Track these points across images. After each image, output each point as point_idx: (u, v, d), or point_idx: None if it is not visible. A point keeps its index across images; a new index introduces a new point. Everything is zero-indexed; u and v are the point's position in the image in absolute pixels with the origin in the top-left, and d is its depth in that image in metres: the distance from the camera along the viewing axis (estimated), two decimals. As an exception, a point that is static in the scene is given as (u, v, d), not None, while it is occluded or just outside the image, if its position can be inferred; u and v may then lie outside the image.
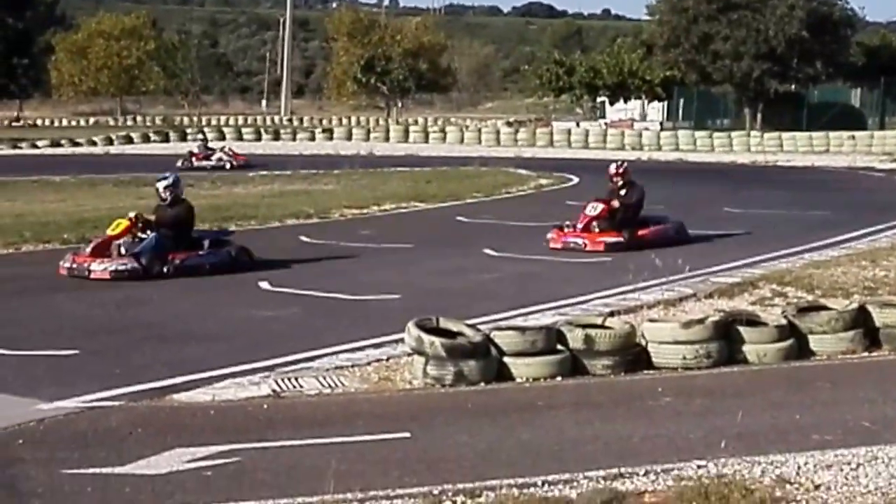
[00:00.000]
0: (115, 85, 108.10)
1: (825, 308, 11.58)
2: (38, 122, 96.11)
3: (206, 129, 68.07)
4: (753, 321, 11.06)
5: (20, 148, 59.18)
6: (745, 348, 10.76)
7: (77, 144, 61.26)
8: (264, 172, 37.88)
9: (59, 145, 60.39)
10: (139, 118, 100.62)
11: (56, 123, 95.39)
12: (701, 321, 10.71)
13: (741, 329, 10.82)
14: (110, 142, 62.17)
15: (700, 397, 9.54)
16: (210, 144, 47.09)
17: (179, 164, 40.14)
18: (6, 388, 9.79)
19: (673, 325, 10.78)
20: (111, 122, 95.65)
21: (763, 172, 40.93)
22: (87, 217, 23.62)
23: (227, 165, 41.70)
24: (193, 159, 42.09)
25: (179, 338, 12.03)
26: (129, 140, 63.69)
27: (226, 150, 44.51)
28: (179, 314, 13.58)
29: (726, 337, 10.70)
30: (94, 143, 61.58)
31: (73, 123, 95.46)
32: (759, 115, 66.76)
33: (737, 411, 8.71)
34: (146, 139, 64.73)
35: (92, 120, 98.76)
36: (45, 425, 8.73)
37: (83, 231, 20.86)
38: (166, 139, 65.02)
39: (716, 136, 55.15)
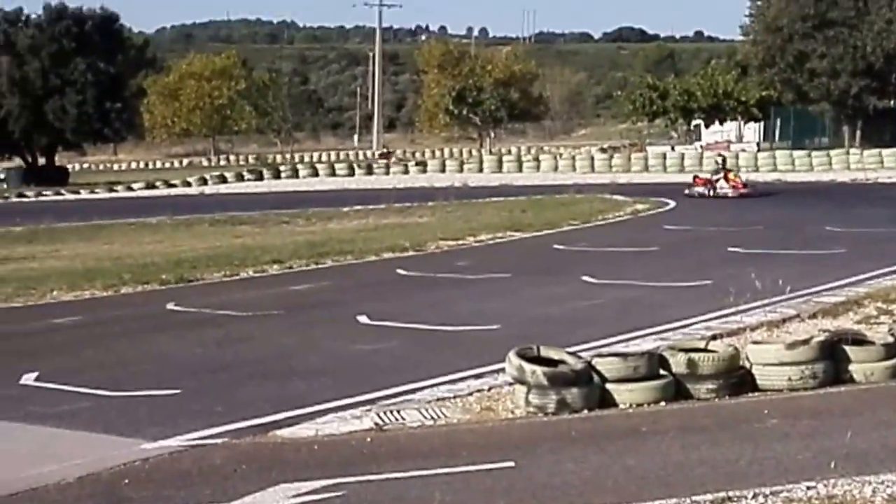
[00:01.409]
0: (207, 125, 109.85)
1: (933, 324, 11.34)
2: (133, 164, 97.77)
3: (299, 166, 68.64)
4: (859, 340, 10.85)
5: (116, 191, 60.23)
6: (852, 367, 10.56)
7: (172, 186, 62.30)
8: (358, 207, 38.01)
9: (153, 187, 61.45)
10: (232, 157, 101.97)
11: (150, 165, 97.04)
12: (806, 342, 10.53)
13: (847, 348, 10.62)
14: (204, 182, 63.12)
15: (807, 418, 9.38)
16: None
17: None
18: (111, 429, 9.88)
19: (777, 346, 10.60)
20: (204, 163, 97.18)
21: (864, 190, 40.37)
22: (184, 257, 23.89)
23: None
24: None
25: (281, 373, 12.06)
26: (223, 180, 64.57)
27: None
28: (280, 350, 13.62)
29: (832, 357, 10.51)
30: (188, 184, 62.58)
31: (167, 165, 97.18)
32: (858, 133, 65.94)
33: (845, 431, 8.54)
34: (240, 178, 65.54)
35: (185, 161, 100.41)
36: (150, 464, 8.77)
37: (181, 271, 21.10)
38: (260, 178, 65.67)
39: (814, 155, 54.59)
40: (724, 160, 40.81)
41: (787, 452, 8.29)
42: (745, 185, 38.19)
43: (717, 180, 38.14)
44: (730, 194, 37.02)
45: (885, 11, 62.99)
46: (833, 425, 9.04)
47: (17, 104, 69.81)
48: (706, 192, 37.62)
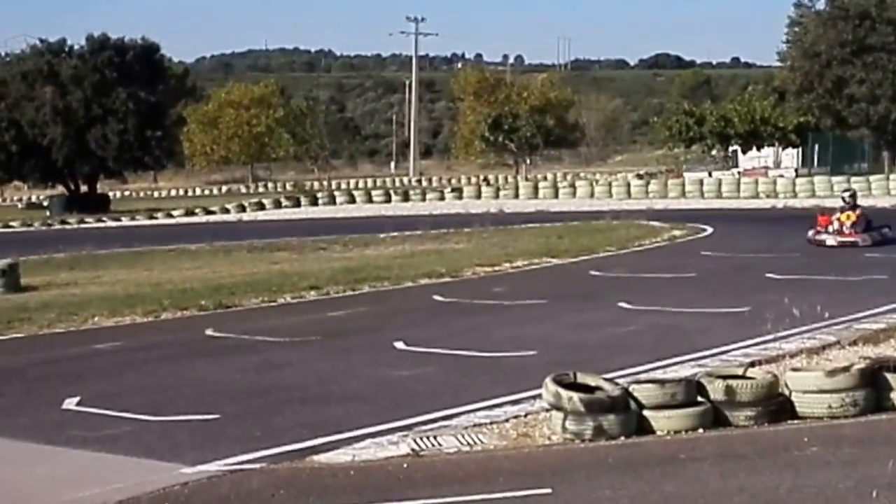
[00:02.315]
0: (245, 153, 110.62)
1: (975, 351, 11.24)
2: (173, 192, 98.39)
3: (336, 193, 68.84)
4: (901, 367, 10.76)
5: (156, 218, 60.65)
6: (894, 395, 10.45)
7: (210, 213, 62.66)
8: (395, 233, 38.06)
9: (193, 214, 61.86)
10: (270, 185, 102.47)
11: (190, 193, 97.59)
12: (846, 369, 10.44)
13: (888, 376, 10.51)
14: (243, 209, 63.48)
15: (848, 446, 9.30)
16: None
17: None
18: (151, 454, 9.93)
19: (817, 373, 10.52)
20: (243, 190, 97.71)
21: (903, 215, 40.03)
22: (223, 283, 23.99)
23: None
24: None
25: (318, 399, 12.09)
26: (261, 206, 64.93)
27: None
28: (318, 376, 13.65)
29: (873, 384, 10.41)
30: (227, 211, 62.95)
31: (206, 192, 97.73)
32: (898, 158, 65.61)
33: (887, 460, 8.46)
34: (277, 205, 65.88)
35: (224, 188, 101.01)
36: (189, 489, 8.81)
37: (220, 297, 21.20)
38: (297, 204, 65.99)
39: (853, 181, 54.27)
40: (853, 195, 30.69)
41: (827, 481, 8.22)
42: (862, 231, 28.26)
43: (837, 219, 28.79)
44: (828, 242, 27.77)
45: (924, 37, 62.85)
46: (875, 453, 8.97)
47: (60, 133, 70.56)
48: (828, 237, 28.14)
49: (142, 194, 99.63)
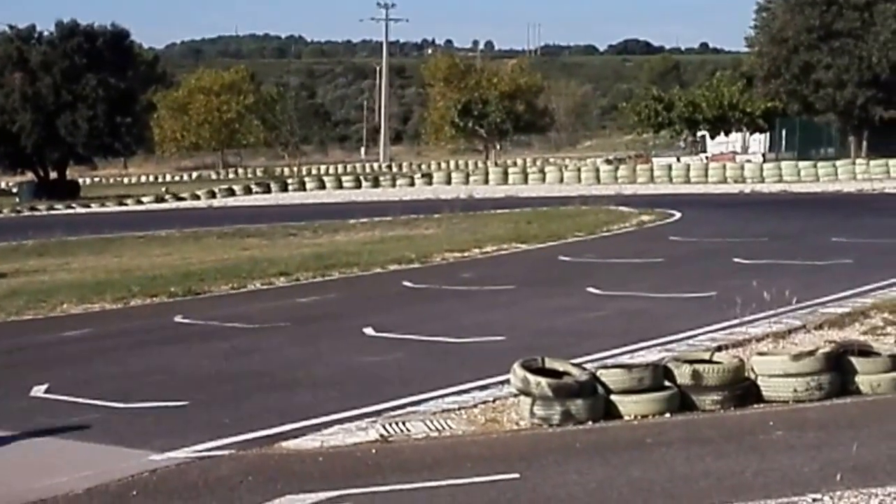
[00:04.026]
0: (216, 139, 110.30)
1: (939, 335, 11.34)
2: (143, 178, 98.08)
3: (306, 179, 68.88)
4: (866, 351, 10.84)
5: (126, 205, 60.41)
6: (858, 379, 10.55)
7: (181, 199, 62.41)
8: (365, 220, 38.04)
9: (163, 201, 61.63)
10: (240, 171, 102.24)
11: (160, 179, 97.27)
12: (812, 353, 10.53)
13: (853, 360, 10.61)
14: (213, 195, 63.29)
15: (813, 430, 9.38)
16: None
17: None
18: (119, 441, 9.93)
19: (783, 357, 10.60)
20: (213, 176, 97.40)
21: (870, 201, 40.29)
22: (193, 270, 23.96)
23: None
24: None
25: (287, 385, 12.10)
26: (231, 192, 64.81)
27: None
28: (287, 362, 13.65)
29: (838, 368, 10.50)
30: (197, 197, 62.73)
31: (177, 178, 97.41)
32: (864, 143, 65.87)
33: (851, 443, 8.56)
34: (248, 191, 65.76)
35: (195, 174, 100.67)
36: (158, 476, 8.81)
37: (189, 284, 21.18)
38: (268, 190, 65.89)
39: (820, 166, 54.59)
40: None
41: (792, 464, 8.29)
42: None
43: None
44: None
45: (890, 22, 62.97)
46: (839, 437, 9.06)
47: (29, 119, 70.35)
48: None
49: (111, 181, 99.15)
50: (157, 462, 9.14)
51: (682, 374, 10.22)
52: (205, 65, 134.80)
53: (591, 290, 18.65)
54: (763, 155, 68.38)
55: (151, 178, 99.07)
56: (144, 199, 62.00)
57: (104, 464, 9.14)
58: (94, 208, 59.82)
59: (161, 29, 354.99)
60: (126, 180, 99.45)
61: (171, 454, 9.35)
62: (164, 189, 52.51)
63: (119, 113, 70.51)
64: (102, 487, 8.50)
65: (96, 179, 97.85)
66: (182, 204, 59.86)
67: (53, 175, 75.17)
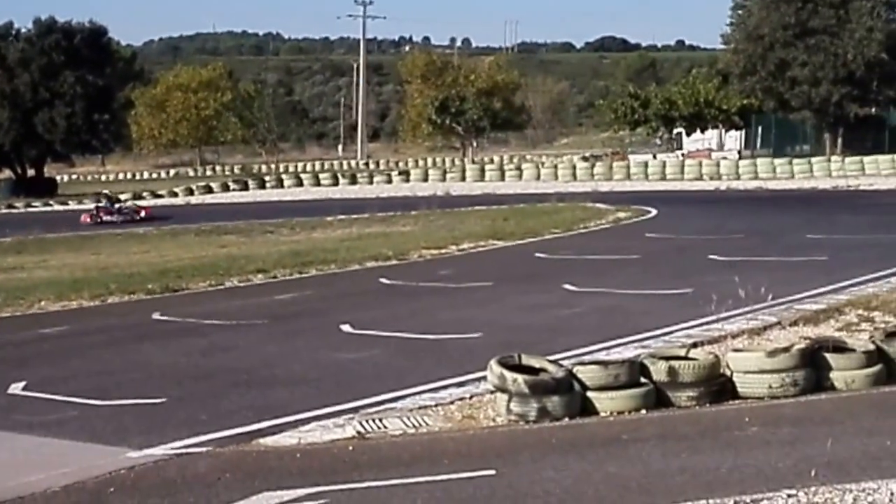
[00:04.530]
0: (193, 136, 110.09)
1: (913, 331, 11.39)
2: (121, 175, 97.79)
3: (283, 176, 68.65)
4: (840, 347, 10.90)
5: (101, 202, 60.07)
6: (833, 375, 10.62)
7: (158, 196, 62.26)
8: (342, 217, 37.98)
9: (140, 198, 61.39)
10: (218, 168, 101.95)
11: (138, 176, 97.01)
12: (787, 349, 10.59)
13: (828, 356, 10.68)
14: (191, 192, 63.15)
15: (788, 426, 9.44)
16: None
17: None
18: (97, 438, 9.94)
19: (758, 354, 10.66)
20: (191, 173, 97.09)
21: (845, 197, 40.48)
22: (170, 267, 23.96)
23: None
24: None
25: (264, 382, 12.12)
26: (209, 190, 64.66)
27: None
28: (264, 359, 13.67)
29: (813, 364, 10.57)
30: (175, 195, 62.55)
31: (155, 176, 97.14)
32: (839, 140, 66.04)
33: (826, 439, 8.60)
34: (225, 188, 65.62)
35: (172, 171, 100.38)
36: (136, 473, 8.83)
37: (167, 281, 21.16)
38: (245, 188, 65.78)
39: (795, 163, 54.74)
40: None
41: (767, 460, 8.33)
42: None
43: None
44: None
45: (865, 19, 63.12)
46: (814, 433, 9.11)
47: (6, 117, 70.27)
48: None
49: (89, 178, 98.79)
50: (134, 459, 9.15)
51: (658, 371, 10.27)
52: (182, 62, 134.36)
53: (567, 286, 18.70)
54: (739, 152, 68.55)
55: (129, 176, 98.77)
56: (122, 197, 61.76)
57: (82, 461, 9.15)
58: (72, 206, 59.55)
59: (139, 26, 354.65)
60: (104, 177, 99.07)
61: (148, 451, 9.36)
62: (102, 192, 52.84)
63: (97, 110, 70.32)
64: (80, 484, 8.51)
65: (74, 177, 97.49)
66: (160, 201, 59.69)
67: (31, 172, 74.94)
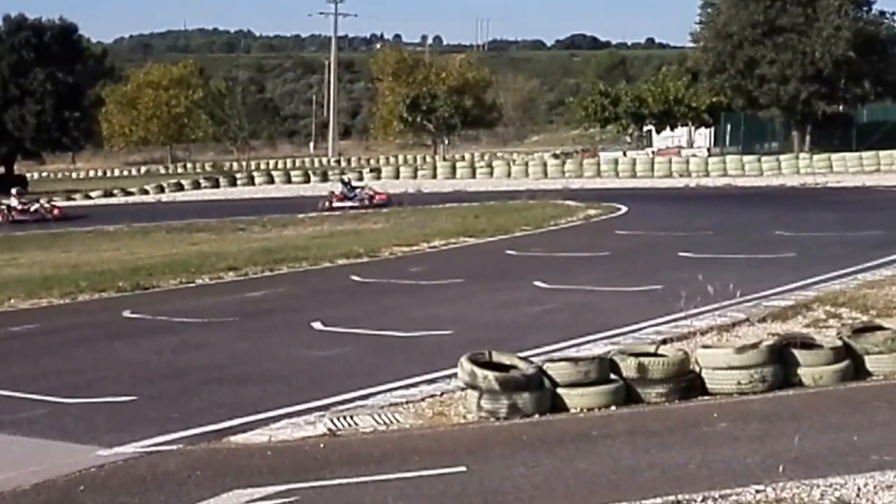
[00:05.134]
0: (164, 134, 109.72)
1: (881, 328, 11.47)
2: (91, 173, 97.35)
3: (255, 173, 68.50)
4: (808, 344, 10.99)
5: (74, 199, 59.95)
6: (801, 371, 10.69)
7: (129, 194, 62.11)
8: (313, 214, 37.89)
9: (111, 195, 61.20)
10: (189, 165, 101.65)
11: (108, 174, 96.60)
12: (755, 346, 10.65)
13: (796, 352, 10.75)
14: (161, 190, 62.94)
15: (756, 422, 9.49)
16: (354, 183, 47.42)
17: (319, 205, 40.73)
18: (67, 436, 9.92)
19: (727, 350, 10.72)
20: (162, 171, 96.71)
21: (813, 194, 40.65)
22: (141, 265, 23.87)
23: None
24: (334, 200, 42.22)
25: (235, 380, 12.12)
26: (180, 187, 64.47)
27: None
28: (235, 357, 13.66)
29: (781, 360, 10.64)
30: (145, 192, 62.34)
31: (125, 173, 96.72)
32: (807, 138, 66.31)
33: (794, 435, 8.66)
34: (196, 186, 65.44)
35: (143, 169, 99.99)
36: (106, 471, 8.82)
37: (138, 279, 21.10)
38: (216, 185, 65.62)
39: (764, 160, 54.95)
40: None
41: (736, 456, 8.39)
42: None
43: None
44: None
45: (833, 18, 63.36)
46: (782, 429, 9.17)
47: (-24, 114, 69.84)
48: None
49: (60, 175, 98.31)
50: (104, 457, 9.14)
51: (628, 367, 10.33)
52: (153, 59, 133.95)
53: (538, 283, 18.74)
54: (708, 149, 68.77)
55: (100, 173, 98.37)
56: (93, 194, 61.64)
57: (51, 459, 9.14)
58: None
59: (109, 23, 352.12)
60: (74, 175, 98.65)
61: (118, 449, 9.35)
62: (50, 197, 52.60)
63: (67, 107, 70.07)
64: (50, 483, 8.50)
65: (44, 174, 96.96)
66: (130, 199, 59.49)
67: (1, 170, 74.51)
